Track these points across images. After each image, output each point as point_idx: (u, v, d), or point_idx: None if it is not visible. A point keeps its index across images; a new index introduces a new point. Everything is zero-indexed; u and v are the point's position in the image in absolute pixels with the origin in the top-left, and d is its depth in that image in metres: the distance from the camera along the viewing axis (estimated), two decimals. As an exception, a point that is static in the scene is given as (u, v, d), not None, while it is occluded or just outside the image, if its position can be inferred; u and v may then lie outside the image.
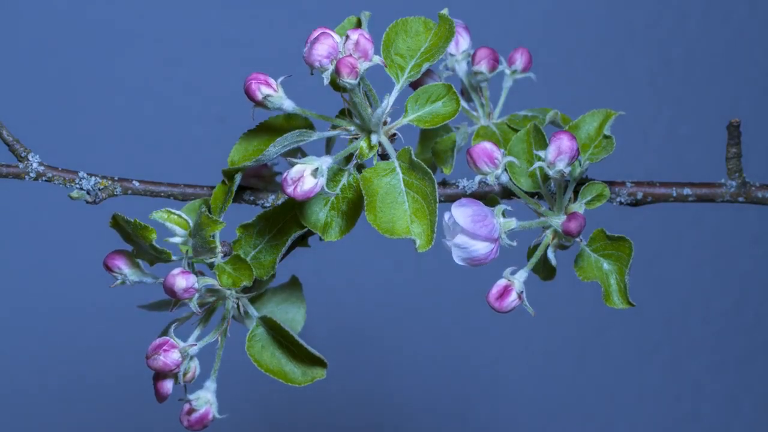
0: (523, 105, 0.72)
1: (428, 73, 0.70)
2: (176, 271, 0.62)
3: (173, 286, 0.62)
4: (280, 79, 0.63)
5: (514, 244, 0.62)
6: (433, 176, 0.61)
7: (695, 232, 1.62)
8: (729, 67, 1.63)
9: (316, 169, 0.61)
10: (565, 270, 0.68)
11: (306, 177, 0.61)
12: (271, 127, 0.67)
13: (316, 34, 0.61)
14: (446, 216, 0.62)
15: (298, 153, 0.68)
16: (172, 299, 0.63)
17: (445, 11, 0.64)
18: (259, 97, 0.63)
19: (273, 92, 0.63)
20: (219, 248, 0.64)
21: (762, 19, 1.63)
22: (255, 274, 0.64)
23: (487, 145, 0.62)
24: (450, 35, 0.62)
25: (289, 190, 0.61)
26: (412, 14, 0.65)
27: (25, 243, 1.46)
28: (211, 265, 0.64)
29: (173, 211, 0.64)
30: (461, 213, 0.61)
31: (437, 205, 0.60)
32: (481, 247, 0.61)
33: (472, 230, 0.60)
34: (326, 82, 0.61)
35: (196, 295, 0.62)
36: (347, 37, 0.61)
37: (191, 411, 0.65)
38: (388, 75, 0.63)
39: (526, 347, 1.58)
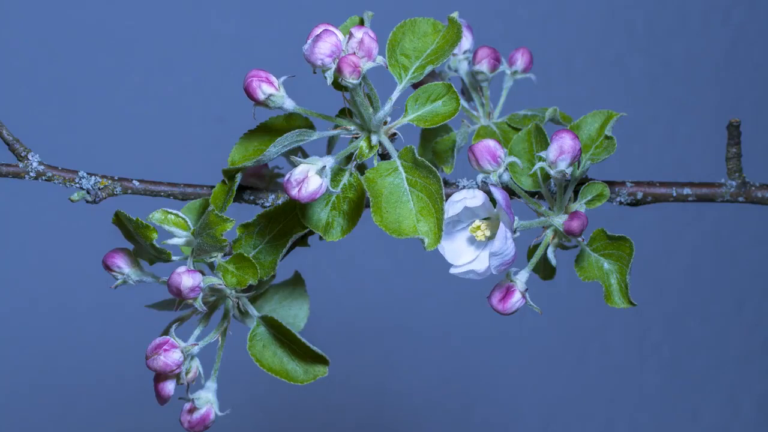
0: (522, 105, 0.72)
1: (431, 73, 0.70)
2: (181, 269, 0.61)
3: (179, 285, 0.61)
4: (282, 79, 0.62)
5: (517, 234, 0.62)
6: (437, 174, 0.60)
7: (695, 232, 1.62)
8: (729, 67, 1.63)
9: (321, 168, 0.60)
10: (565, 270, 0.68)
11: (311, 177, 0.60)
12: (271, 128, 0.66)
13: (318, 30, 0.60)
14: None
15: (298, 153, 0.68)
16: (177, 298, 0.63)
17: (455, 14, 0.63)
18: (261, 97, 0.61)
19: (275, 91, 0.62)
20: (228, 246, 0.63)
21: (762, 19, 1.63)
22: (259, 273, 0.63)
23: (490, 143, 0.62)
24: (457, 39, 0.62)
25: (294, 192, 0.60)
26: (411, 13, 0.64)
27: (25, 243, 1.46)
28: (212, 265, 0.64)
29: (170, 210, 0.63)
30: (500, 193, 0.60)
31: (444, 203, 0.60)
32: (510, 249, 0.60)
33: (506, 208, 0.60)
34: (329, 81, 0.60)
35: (201, 295, 0.62)
36: (351, 35, 0.60)
37: (193, 410, 0.65)
38: (388, 72, 0.63)
39: (526, 347, 1.58)
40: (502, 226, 0.60)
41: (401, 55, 0.63)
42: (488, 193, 0.61)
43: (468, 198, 0.60)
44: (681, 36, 1.61)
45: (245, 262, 0.63)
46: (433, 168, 0.60)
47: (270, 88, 0.62)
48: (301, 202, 0.60)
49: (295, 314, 0.69)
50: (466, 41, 0.71)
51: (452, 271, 0.62)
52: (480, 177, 0.63)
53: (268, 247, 0.65)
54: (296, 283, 0.70)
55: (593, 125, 0.66)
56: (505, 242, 0.60)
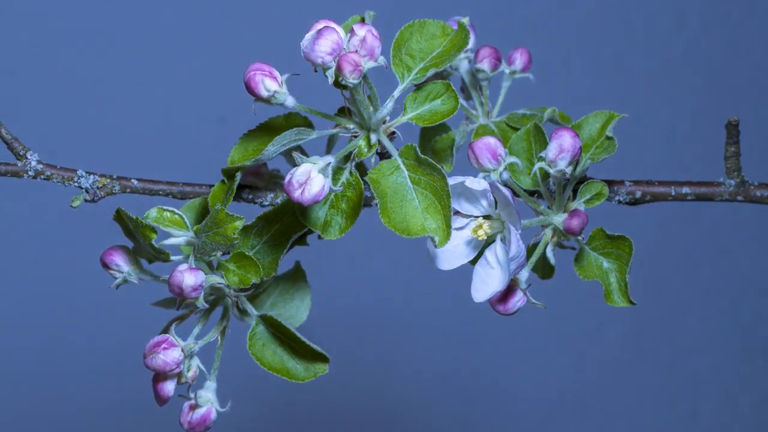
0: (521, 104, 0.72)
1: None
2: (183, 267, 0.61)
3: (181, 283, 0.60)
4: (285, 76, 0.61)
5: (519, 233, 0.62)
6: (442, 170, 0.59)
7: (694, 231, 1.62)
8: (728, 66, 1.63)
9: (323, 167, 0.60)
10: (564, 269, 0.68)
11: (314, 178, 0.59)
12: (271, 128, 0.66)
13: (319, 26, 0.59)
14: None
15: (298, 152, 0.68)
16: (178, 298, 0.62)
17: (465, 19, 0.63)
18: (264, 93, 0.60)
19: (278, 87, 0.60)
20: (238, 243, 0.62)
21: (761, 18, 1.63)
22: (262, 273, 0.63)
23: (491, 141, 0.62)
24: (464, 44, 0.62)
25: (296, 194, 0.59)
26: (410, 13, 0.64)
27: (23, 242, 1.46)
28: (210, 264, 0.64)
29: (166, 208, 0.63)
30: (508, 191, 0.60)
31: (450, 199, 0.59)
32: (523, 249, 0.60)
33: (513, 202, 0.60)
34: (331, 81, 0.59)
35: (203, 294, 0.61)
36: (353, 32, 0.59)
37: (195, 407, 0.64)
38: (386, 70, 0.63)
39: (525, 346, 1.58)
40: (511, 228, 0.60)
41: (406, 55, 0.63)
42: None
43: (470, 179, 0.60)
44: (680, 35, 1.61)
45: (246, 261, 0.63)
46: (437, 165, 0.60)
47: (273, 84, 0.61)
48: (304, 204, 0.59)
49: (297, 306, 0.69)
50: (469, 41, 0.71)
51: (478, 300, 0.61)
52: (481, 176, 0.62)
53: (266, 247, 0.65)
54: (297, 274, 0.69)
55: (594, 125, 0.66)
56: (518, 244, 0.59)
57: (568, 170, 0.62)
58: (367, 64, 0.59)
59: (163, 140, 1.48)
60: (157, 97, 1.48)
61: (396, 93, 0.62)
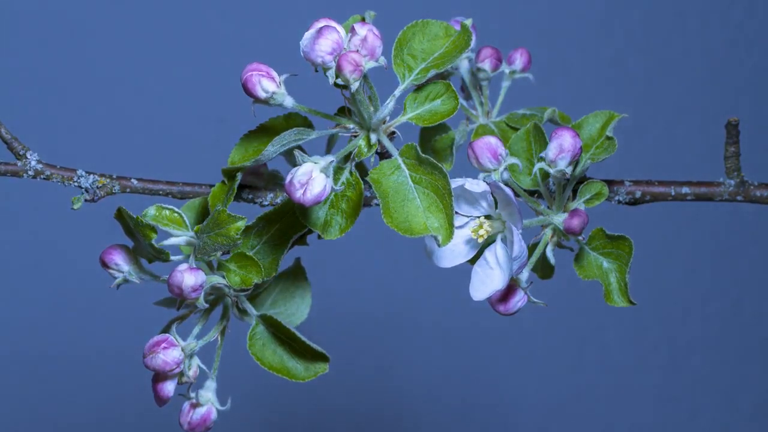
0: (521, 104, 0.72)
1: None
2: (183, 267, 0.61)
3: (181, 283, 0.60)
4: (283, 76, 0.61)
5: (520, 232, 0.62)
6: (443, 169, 0.59)
7: (693, 231, 1.62)
8: (728, 66, 1.63)
9: (325, 166, 0.59)
10: (564, 269, 0.68)
11: (315, 177, 0.59)
12: (271, 128, 0.66)
13: (319, 25, 0.59)
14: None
15: (299, 151, 0.68)
16: (178, 298, 0.62)
17: (468, 21, 0.63)
18: (261, 95, 0.60)
19: (276, 88, 0.60)
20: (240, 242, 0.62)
21: (761, 18, 1.63)
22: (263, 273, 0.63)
23: (491, 140, 0.62)
24: (466, 46, 0.62)
25: (298, 195, 0.58)
26: (409, 13, 0.64)
27: (22, 241, 1.46)
28: (210, 264, 0.64)
29: (165, 206, 0.63)
30: (510, 191, 0.60)
31: (452, 198, 0.59)
32: (525, 249, 0.60)
33: (515, 202, 0.60)
34: (331, 81, 0.59)
35: (202, 294, 0.61)
36: (354, 31, 0.59)
37: (196, 405, 0.64)
38: (385, 70, 0.62)
39: (525, 346, 1.58)
40: (513, 228, 0.60)
41: (408, 55, 0.63)
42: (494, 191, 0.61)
43: (470, 181, 0.60)
44: (680, 35, 1.61)
45: (248, 261, 0.63)
46: (438, 164, 0.59)
47: (271, 85, 0.61)
48: (306, 205, 0.59)
49: (297, 304, 0.69)
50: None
51: (477, 299, 0.61)
52: (481, 176, 0.62)
53: (266, 248, 0.65)
54: (297, 272, 0.69)
55: (594, 125, 0.66)
56: (520, 244, 0.59)
57: (568, 170, 0.62)
58: (368, 64, 0.59)
59: (163, 140, 1.48)
60: (157, 97, 1.48)
61: (397, 93, 0.62)
